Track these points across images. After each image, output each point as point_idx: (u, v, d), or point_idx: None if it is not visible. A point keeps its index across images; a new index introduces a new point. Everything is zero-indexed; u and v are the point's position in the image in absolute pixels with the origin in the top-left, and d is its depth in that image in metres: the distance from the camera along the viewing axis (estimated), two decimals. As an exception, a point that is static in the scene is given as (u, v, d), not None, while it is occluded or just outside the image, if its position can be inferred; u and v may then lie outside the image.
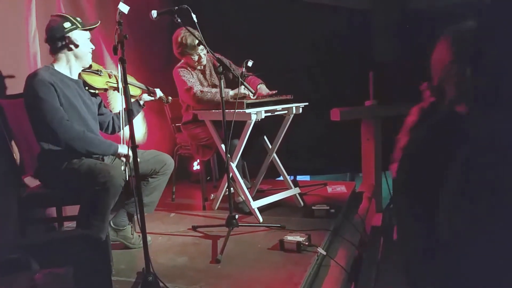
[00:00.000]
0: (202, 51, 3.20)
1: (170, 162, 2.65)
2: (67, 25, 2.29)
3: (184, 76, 3.20)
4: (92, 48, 2.41)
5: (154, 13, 2.51)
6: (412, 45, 5.12)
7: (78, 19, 2.35)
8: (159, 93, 2.75)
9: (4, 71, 2.59)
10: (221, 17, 3.42)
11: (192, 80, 3.20)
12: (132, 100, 2.60)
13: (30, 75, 2.26)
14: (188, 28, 2.76)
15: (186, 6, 2.51)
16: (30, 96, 2.23)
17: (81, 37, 2.34)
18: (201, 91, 3.09)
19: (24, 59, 2.75)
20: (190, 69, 3.29)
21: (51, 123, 2.20)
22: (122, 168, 2.37)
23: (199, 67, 3.35)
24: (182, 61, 3.33)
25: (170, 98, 2.86)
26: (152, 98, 2.70)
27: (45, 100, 2.19)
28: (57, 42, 2.30)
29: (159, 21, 2.59)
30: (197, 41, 3.06)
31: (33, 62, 2.79)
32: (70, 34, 2.30)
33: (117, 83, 2.48)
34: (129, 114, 2.01)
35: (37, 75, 2.23)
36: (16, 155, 2.33)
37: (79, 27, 2.32)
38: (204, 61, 3.30)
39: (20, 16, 2.72)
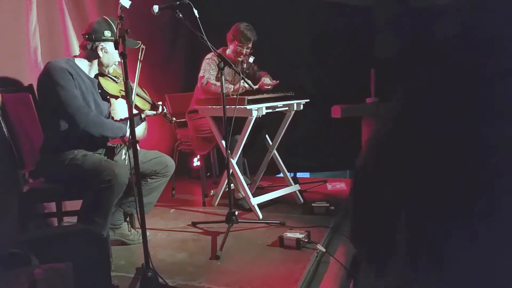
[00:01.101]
0: (248, 49, 3.34)
1: (171, 165, 2.65)
2: (107, 33, 2.33)
3: (209, 64, 3.30)
4: (118, 61, 2.42)
5: (156, 8, 2.51)
6: (414, 43, 5.10)
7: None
8: (161, 108, 2.70)
9: (5, 66, 2.58)
10: (222, 13, 3.42)
11: (211, 72, 3.27)
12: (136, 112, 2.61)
13: (49, 62, 2.28)
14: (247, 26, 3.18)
15: (188, 1, 2.51)
16: (48, 83, 2.24)
17: (113, 49, 2.36)
18: (208, 82, 3.14)
19: (24, 54, 2.74)
20: (218, 60, 3.32)
21: (69, 109, 2.22)
22: (123, 152, 2.39)
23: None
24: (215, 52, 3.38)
25: (174, 118, 2.84)
26: (154, 113, 2.67)
27: (64, 87, 2.21)
28: (91, 43, 2.33)
29: (160, 16, 2.58)
30: (252, 38, 3.28)
31: (34, 57, 2.78)
32: (104, 44, 2.33)
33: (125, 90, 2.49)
34: (131, 111, 2.00)
35: (57, 62, 2.26)
36: (17, 150, 2.33)
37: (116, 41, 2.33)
38: (242, 57, 3.40)
39: (20, 11, 2.71)
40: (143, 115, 2.64)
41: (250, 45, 3.32)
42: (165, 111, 2.74)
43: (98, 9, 3.33)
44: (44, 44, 2.86)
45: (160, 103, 2.70)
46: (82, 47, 2.39)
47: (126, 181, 2.20)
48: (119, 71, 2.59)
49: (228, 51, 3.37)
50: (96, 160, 2.27)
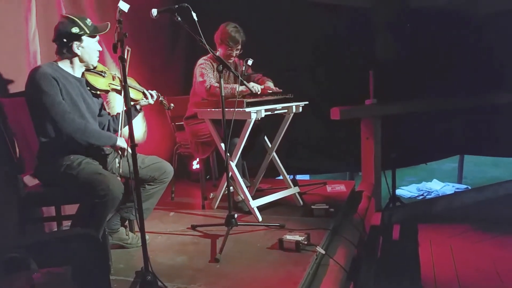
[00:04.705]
0: (238, 50, 3.31)
1: (169, 170, 2.62)
2: (75, 30, 2.26)
3: (204, 69, 3.25)
4: (98, 51, 2.39)
5: (154, 11, 2.50)
6: (412, 44, 5.12)
7: (88, 21, 2.32)
8: (156, 96, 2.66)
9: (4, 70, 2.58)
10: (221, 16, 3.42)
11: (210, 75, 3.23)
12: (132, 103, 2.57)
13: (33, 69, 2.24)
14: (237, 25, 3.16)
15: (186, 4, 2.51)
16: (32, 89, 2.21)
17: (88, 42, 2.32)
18: (211, 85, 3.11)
19: (24, 57, 2.74)
20: (213, 63, 3.32)
21: (54, 116, 2.18)
22: (117, 160, 2.35)
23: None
24: (208, 55, 3.37)
25: (172, 105, 2.81)
26: (149, 102, 2.63)
27: (48, 93, 2.18)
28: (63, 45, 2.29)
29: (159, 19, 2.58)
30: (241, 39, 3.24)
31: (33, 61, 2.78)
32: (76, 41, 2.28)
33: (120, 85, 2.46)
34: (129, 114, 2.00)
35: (41, 69, 2.22)
36: (15, 154, 2.32)
37: (87, 33, 2.29)
38: (233, 59, 3.37)
39: (19, 15, 2.71)
40: (138, 106, 2.61)
41: (239, 47, 3.30)
42: (160, 98, 2.70)
43: (97, 12, 3.34)
44: (44, 48, 2.86)
45: (154, 91, 2.65)
46: (58, 52, 2.33)
47: (120, 196, 2.18)
48: (104, 66, 2.55)
49: (217, 54, 3.36)
50: (92, 172, 2.21)
